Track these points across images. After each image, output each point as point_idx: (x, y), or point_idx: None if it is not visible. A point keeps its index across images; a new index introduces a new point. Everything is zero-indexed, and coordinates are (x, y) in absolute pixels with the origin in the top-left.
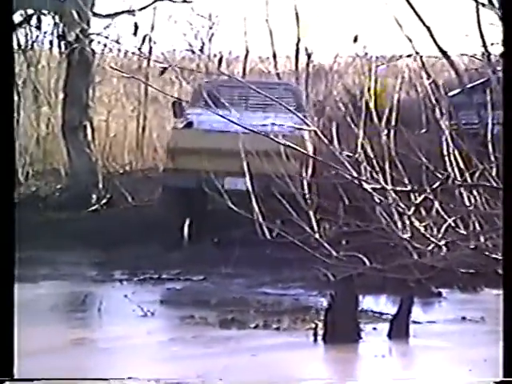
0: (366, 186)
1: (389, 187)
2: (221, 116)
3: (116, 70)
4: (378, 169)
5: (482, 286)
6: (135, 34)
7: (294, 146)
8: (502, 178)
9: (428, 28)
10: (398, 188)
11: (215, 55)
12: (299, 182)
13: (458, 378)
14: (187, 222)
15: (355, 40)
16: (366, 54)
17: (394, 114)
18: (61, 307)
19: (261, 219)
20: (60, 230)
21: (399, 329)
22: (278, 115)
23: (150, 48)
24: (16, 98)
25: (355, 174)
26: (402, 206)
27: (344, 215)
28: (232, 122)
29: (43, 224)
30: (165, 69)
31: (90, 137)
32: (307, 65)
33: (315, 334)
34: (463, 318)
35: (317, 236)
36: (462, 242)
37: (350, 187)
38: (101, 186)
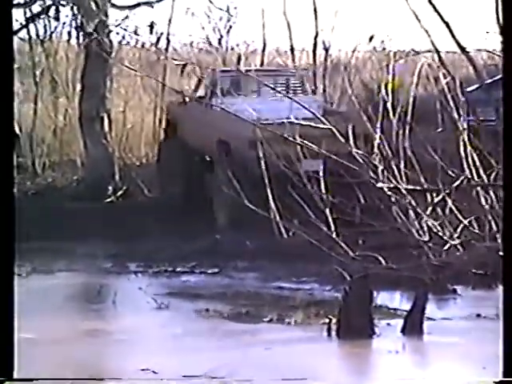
0: (380, 184)
1: (403, 186)
2: (223, 109)
3: (130, 68)
4: (393, 167)
5: (497, 283)
6: (151, 32)
7: (309, 144)
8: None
9: (447, 23)
10: (411, 186)
11: (233, 48)
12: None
13: (460, 378)
14: None
15: (370, 39)
16: (384, 48)
17: (410, 110)
18: (76, 298)
19: None
20: (75, 221)
21: (413, 325)
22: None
23: (168, 41)
24: (34, 88)
25: (372, 174)
26: (414, 203)
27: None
28: (231, 113)
29: (59, 215)
30: (184, 66)
31: (106, 128)
32: (325, 59)
33: (329, 329)
34: (478, 315)
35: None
36: (478, 241)
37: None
38: (117, 177)
